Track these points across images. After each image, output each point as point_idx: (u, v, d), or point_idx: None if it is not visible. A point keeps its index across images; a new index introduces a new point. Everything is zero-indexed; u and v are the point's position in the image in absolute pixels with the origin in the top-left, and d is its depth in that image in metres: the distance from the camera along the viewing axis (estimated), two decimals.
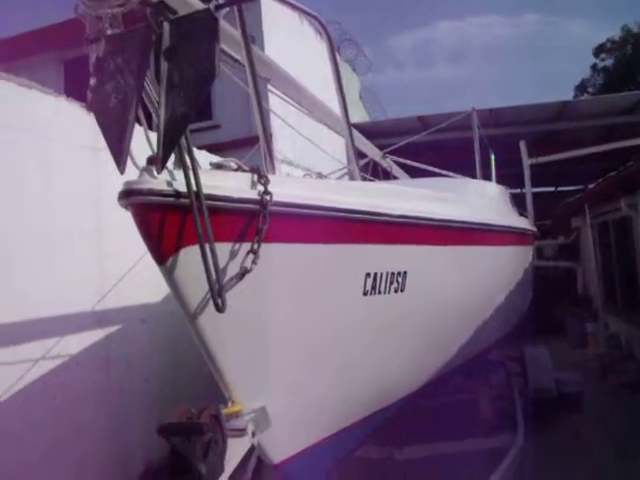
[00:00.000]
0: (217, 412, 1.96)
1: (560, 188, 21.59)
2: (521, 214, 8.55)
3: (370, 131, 12.95)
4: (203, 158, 5.24)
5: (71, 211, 4.24)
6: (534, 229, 8.41)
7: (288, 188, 2.38)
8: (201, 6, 2.03)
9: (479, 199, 5.48)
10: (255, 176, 2.21)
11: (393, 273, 3.04)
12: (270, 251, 2.26)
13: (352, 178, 3.33)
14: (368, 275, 2.87)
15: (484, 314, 4.77)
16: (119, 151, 1.74)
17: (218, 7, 1.81)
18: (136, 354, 4.78)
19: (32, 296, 3.83)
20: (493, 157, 8.26)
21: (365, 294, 2.87)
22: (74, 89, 5.64)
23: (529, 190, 12.04)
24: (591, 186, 11.16)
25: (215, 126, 9.64)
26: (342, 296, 2.74)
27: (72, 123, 4.28)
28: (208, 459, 1.84)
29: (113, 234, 4.41)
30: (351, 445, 3.28)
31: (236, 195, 2.10)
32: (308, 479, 2.88)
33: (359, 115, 15.67)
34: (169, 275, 2.01)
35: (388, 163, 7.35)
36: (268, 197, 2.16)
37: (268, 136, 2.43)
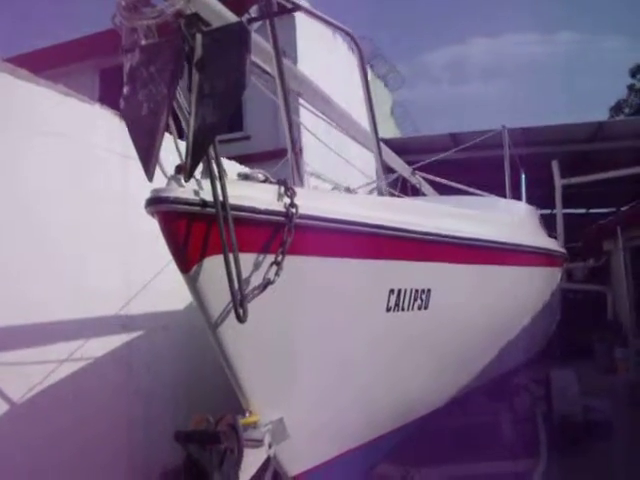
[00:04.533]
0: (234, 422, 1.96)
1: (592, 210, 21.24)
2: (551, 235, 8.42)
3: (401, 147, 12.92)
4: (232, 168, 5.33)
5: (99, 217, 4.31)
6: (563, 251, 8.27)
7: (314, 201, 2.39)
8: (234, 18, 2.06)
9: (507, 218, 5.42)
10: (282, 188, 2.22)
11: (417, 290, 3.02)
12: (294, 263, 2.26)
13: (379, 193, 3.32)
14: (392, 291, 2.85)
15: (508, 335, 4.69)
16: (148, 159, 1.77)
17: (250, 20, 1.84)
18: (157, 360, 4.81)
19: (59, 300, 3.90)
20: (524, 176, 8.16)
21: (388, 310, 2.85)
22: (108, 96, 5.78)
23: (560, 211, 11.87)
24: (624, 209, 10.95)
25: (245, 137, 9.75)
26: (364, 311, 2.73)
27: (105, 130, 4.37)
28: (223, 468, 1.84)
29: (139, 241, 4.47)
30: (369, 461, 3.25)
31: (262, 206, 2.12)
32: None
33: (390, 131, 15.68)
34: (192, 283, 2.03)
35: (417, 180, 7.32)
36: (294, 210, 2.17)
37: (297, 149, 2.44)
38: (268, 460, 2.43)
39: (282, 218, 2.15)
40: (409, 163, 7.96)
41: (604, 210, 19.00)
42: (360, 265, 2.60)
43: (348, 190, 6.47)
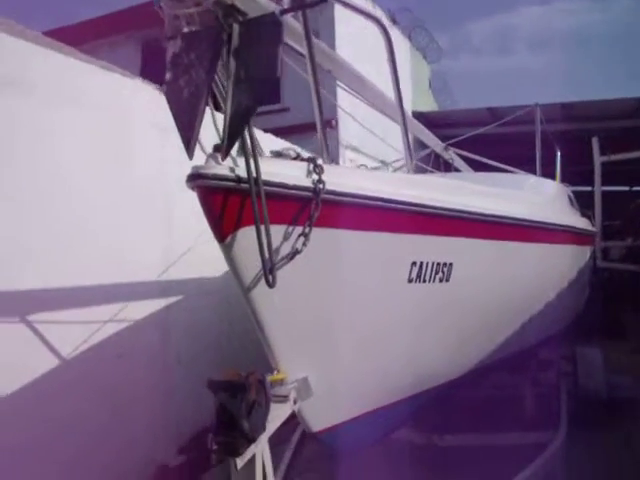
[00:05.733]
0: (262, 377, 2.18)
1: (635, 188, 20.79)
2: (584, 214, 8.40)
3: (437, 121, 12.92)
4: (268, 142, 5.49)
5: (142, 186, 4.55)
6: (594, 229, 8.22)
7: (341, 178, 2.56)
8: (270, 8, 2.21)
9: (535, 196, 5.48)
10: (311, 165, 2.40)
11: (439, 263, 3.18)
12: (322, 235, 2.46)
13: (407, 169, 3.47)
14: (414, 264, 3.02)
15: (531, 310, 4.80)
16: (188, 139, 1.96)
17: (283, 12, 1.99)
18: (196, 325, 5.08)
19: (102, 264, 4.16)
20: (559, 154, 8.13)
21: (410, 281, 3.03)
22: (151, 69, 5.99)
23: (598, 188, 11.74)
24: None
25: (284, 109, 9.88)
26: (387, 281, 2.91)
27: (145, 104, 4.57)
28: (251, 417, 2.06)
29: (179, 210, 4.69)
30: (390, 424, 3.44)
31: (291, 182, 2.30)
32: (345, 450, 3.09)
33: (428, 104, 15.59)
34: (227, 252, 2.24)
35: (450, 155, 7.37)
36: (321, 185, 2.36)
37: (324, 127, 2.61)
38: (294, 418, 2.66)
39: (310, 193, 2.33)
40: (445, 137, 8.00)
41: None
42: (383, 238, 2.78)
43: (384, 164, 6.60)
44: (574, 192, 8.51)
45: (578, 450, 5.05)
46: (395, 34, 12.93)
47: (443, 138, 7.88)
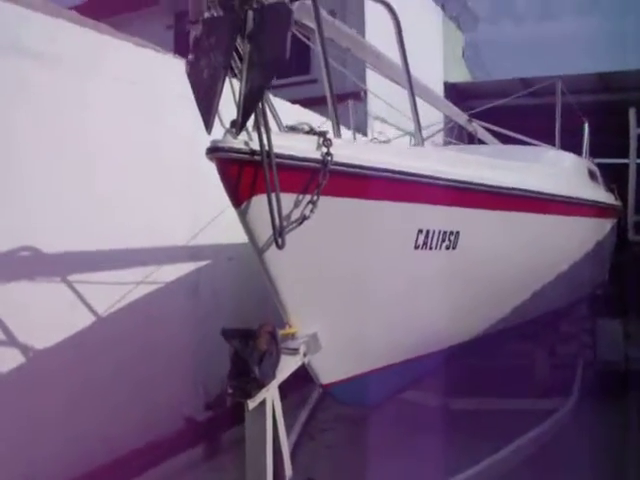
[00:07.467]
0: (273, 329, 2.44)
1: None
2: (609, 188, 8.37)
3: (467, 92, 12.82)
4: (295, 113, 5.64)
5: (173, 157, 4.78)
6: (616, 203, 8.22)
7: (349, 151, 2.78)
8: None
9: (549, 168, 5.56)
10: (320, 139, 2.62)
11: (445, 232, 3.38)
12: (330, 203, 2.68)
13: (416, 142, 3.66)
14: (420, 231, 3.23)
15: (541, 281, 4.94)
16: (208, 115, 2.20)
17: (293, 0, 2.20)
18: (222, 287, 5.37)
19: (135, 229, 4.44)
20: (587, 126, 8.08)
21: (416, 247, 3.24)
22: (183, 39, 6.17)
23: (634, 161, 11.61)
24: None
25: (312, 80, 9.99)
26: (392, 246, 3.14)
27: (177, 77, 4.80)
28: (262, 365, 2.32)
29: (206, 178, 4.93)
30: (396, 383, 3.67)
31: (300, 154, 2.53)
32: (351, 403, 3.37)
33: (460, 74, 15.44)
34: (243, 217, 2.49)
35: (473, 127, 7.42)
36: (329, 157, 2.57)
37: (334, 103, 2.81)
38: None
39: (318, 165, 2.55)
40: (476, 109, 8.03)
41: None
42: (386, 206, 3.00)
43: (412, 135, 6.71)
44: (605, 165, 8.42)
45: (588, 417, 5.22)
46: (427, 4, 12.83)
47: (474, 110, 7.89)
